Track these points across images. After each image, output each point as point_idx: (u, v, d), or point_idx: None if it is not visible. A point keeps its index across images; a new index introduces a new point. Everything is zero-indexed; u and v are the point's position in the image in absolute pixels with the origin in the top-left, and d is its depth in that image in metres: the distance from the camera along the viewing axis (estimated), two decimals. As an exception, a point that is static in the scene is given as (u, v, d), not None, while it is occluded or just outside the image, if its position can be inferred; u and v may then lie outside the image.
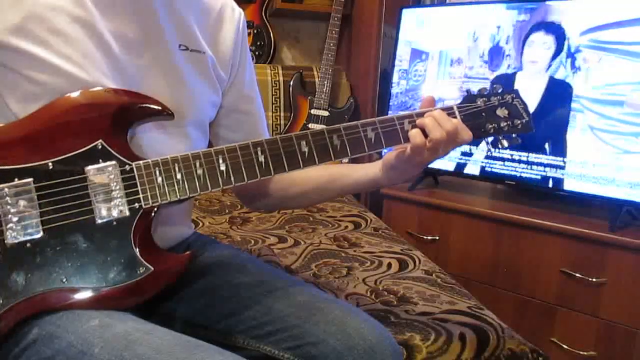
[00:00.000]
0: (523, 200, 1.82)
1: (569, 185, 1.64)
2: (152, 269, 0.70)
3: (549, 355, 1.05)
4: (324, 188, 0.92)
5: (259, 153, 0.75)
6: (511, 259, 1.71)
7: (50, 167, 0.67)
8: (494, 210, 1.74)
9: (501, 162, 1.78)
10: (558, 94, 1.65)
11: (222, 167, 0.74)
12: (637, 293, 1.47)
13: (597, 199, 1.60)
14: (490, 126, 0.85)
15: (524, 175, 1.73)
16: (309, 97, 2.35)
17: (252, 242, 1.48)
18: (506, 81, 1.74)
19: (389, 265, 1.34)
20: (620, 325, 1.50)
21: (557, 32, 1.65)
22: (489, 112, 0.85)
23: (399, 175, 0.84)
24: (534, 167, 1.71)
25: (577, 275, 1.55)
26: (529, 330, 1.66)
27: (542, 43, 1.68)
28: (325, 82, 2.33)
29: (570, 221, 1.60)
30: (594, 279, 1.53)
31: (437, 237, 1.89)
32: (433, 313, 1.07)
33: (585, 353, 1.56)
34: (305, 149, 0.77)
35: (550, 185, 1.68)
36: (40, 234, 0.66)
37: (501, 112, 0.86)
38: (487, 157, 1.81)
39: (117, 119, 0.71)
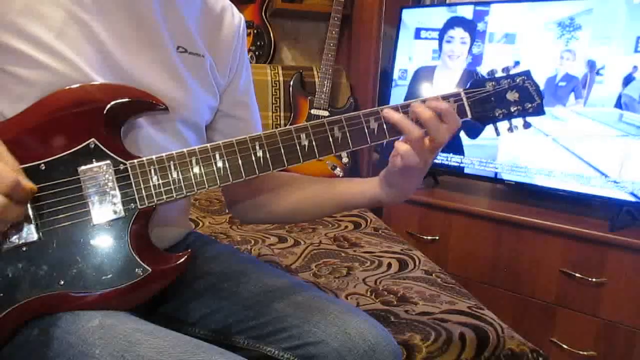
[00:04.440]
0: (523, 200, 1.82)
1: (569, 185, 1.64)
2: (150, 270, 0.69)
3: (549, 355, 1.05)
4: (322, 208, 0.90)
5: (257, 148, 0.73)
6: (511, 259, 1.71)
7: (43, 169, 0.66)
8: (494, 210, 1.74)
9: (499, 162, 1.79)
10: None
11: (219, 164, 0.72)
12: (637, 293, 1.47)
13: (597, 199, 1.60)
14: (499, 111, 0.81)
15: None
16: (309, 97, 2.35)
17: (252, 242, 1.48)
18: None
19: (389, 265, 1.34)
20: (620, 325, 1.50)
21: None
22: (498, 96, 0.81)
23: (398, 192, 0.81)
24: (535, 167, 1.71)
25: (577, 275, 1.55)
26: (529, 330, 1.65)
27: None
28: (325, 82, 2.33)
29: (570, 221, 1.60)
30: (594, 279, 1.53)
31: (437, 237, 1.88)
32: (433, 313, 1.07)
33: (585, 353, 1.56)
34: (305, 142, 0.74)
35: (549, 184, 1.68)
36: (36, 237, 0.65)
37: (511, 95, 0.81)
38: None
39: (110, 115, 0.69)
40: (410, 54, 1.96)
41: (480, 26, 1.77)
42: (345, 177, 0.91)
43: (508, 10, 1.75)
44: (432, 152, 0.76)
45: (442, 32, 1.81)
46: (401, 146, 0.74)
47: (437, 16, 1.90)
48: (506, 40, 1.74)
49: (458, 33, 1.76)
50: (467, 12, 1.83)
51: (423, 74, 1.89)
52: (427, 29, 1.90)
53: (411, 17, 1.97)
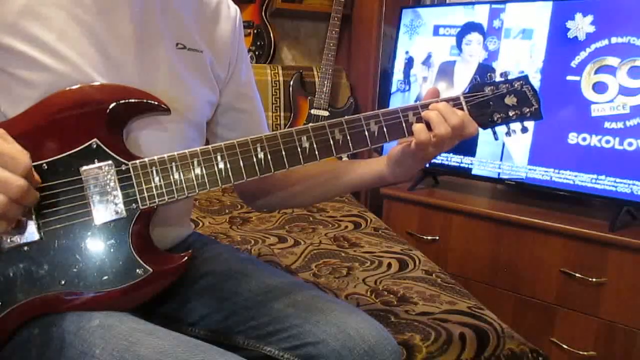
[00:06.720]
0: (523, 200, 1.83)
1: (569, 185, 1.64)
2: (151, 270, 0.69)
3: (549, 355, 1.05)
4: (328, 184, 0.91)
5: (259, 150, 0.74)
6: (511, 259, 1.71)
7: (45, 168, 0.66)
8: (494, 210, 1.74)
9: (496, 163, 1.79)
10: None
11: (221, 166, 0.72)
12: (637, 293, 1.47)
13: (597, 198, 1.60)
14: (497, 116, 0.81)
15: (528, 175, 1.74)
16: (309, 97, 2.35)
17: (252, 242, 1.48)
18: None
19: (389, 265, 1.34)
20: (620, 325, 1.50)
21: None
22: (496, 100, 0.82)
23: (404, 171, 0.83)
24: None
25: (577, 275, 1.55)
26: (529, 330, 1.66)
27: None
28: (325, 82, 2.33)
29: (570, 221, 1.61)
30: (594, 279, 1.53)
31: (437, 237, 1.89)
32: (433, 313, 1.07)
33: (585, 353, 1.56)
34: (306, 145, 0.75)
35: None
36: (37, 237, 0.65)
37: (509, 100, 0.82)
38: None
39: (112, 116, 0.69)
40: (430, 50, 2.01)
41: (495, 23, 1.84)
42: (351, 160, 0.93)
43: (524, 7, 1.76)
44: (435, 146, 0.78)
45: (460, 36, 1.93)
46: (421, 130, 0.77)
47: (454, 14, 1.94)
48: (523, 36, 1.76)
49: (474, 37, 1.90)
50: (483, 9, 1.86)
51: (445, 68, 1.97)
52: (445, 26, 1.97)
53: (429, 16, 2.01)
